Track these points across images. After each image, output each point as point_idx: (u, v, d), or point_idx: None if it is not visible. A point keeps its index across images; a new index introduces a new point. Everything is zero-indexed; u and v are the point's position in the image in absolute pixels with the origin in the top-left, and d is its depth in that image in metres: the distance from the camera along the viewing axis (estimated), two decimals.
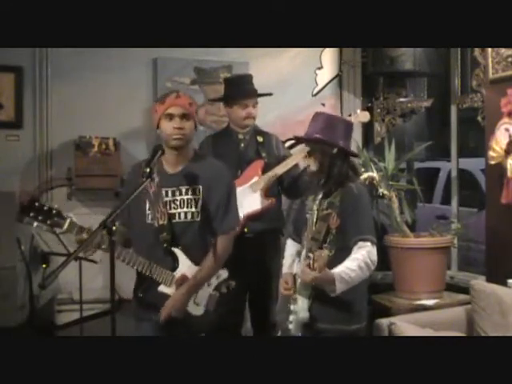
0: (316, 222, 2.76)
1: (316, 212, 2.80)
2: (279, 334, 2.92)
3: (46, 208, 2.55)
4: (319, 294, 2.70)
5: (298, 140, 2.99)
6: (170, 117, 2.63)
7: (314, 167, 2.79)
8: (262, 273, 3.59)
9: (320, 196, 2.82)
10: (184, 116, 2.64)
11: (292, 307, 2.84)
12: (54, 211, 2.56)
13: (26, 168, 4.11)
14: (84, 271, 3.54)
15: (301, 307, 2.77)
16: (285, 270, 2.98)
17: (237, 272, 2.83)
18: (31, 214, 2.55)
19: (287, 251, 3.05)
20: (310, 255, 2.51)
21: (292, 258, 2.99)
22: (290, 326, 2.83)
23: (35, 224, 2.58)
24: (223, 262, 2.75)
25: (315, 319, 2.74)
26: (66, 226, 2.56)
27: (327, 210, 2.74)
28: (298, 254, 2.96)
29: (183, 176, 2.70)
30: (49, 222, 2.56)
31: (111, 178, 3.97)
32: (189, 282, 2.66)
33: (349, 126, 2.87)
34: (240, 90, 3.64)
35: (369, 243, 2.67)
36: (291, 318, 2.84)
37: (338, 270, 2.58)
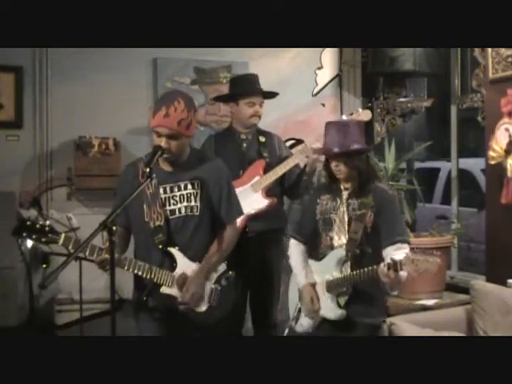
0: (349, 223, 2.74)
1: (346, 212, 2.76)
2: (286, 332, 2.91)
3: (38, 226, 2.53)
4: (355, 290, 2.70)
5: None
6: (158, 134, 2.59)
7: (346, 174, 2.76)
8: (264, 273, 3.59)
9: (345, 196, 2.79)
10: (171, 136, 2.56)
11: None
12: (47, 228, 2.54)
13: (25, 168, 4.11)
14: (84, 271, 3.54)
15: (329, 306, 2.74)
16: (302, 280, 2.85)
17: (238, 272, 2.82)
18: (24, 234, 2.54)
19: (296, 258, 2.93)
20: (395, 258, 2.44)
21: (305, 266, 2.89)
22: (299, 328, 2.84)
23: (30, 242, 2.57)
24: (229, 251, 2.75)
25: (352, 315, 2.72)
26: (61, 241, 2.55)
27: (360, 210, 2.73)
28: (305, 259, 2.92)
29: (181, 172, 2.69)
30: (43, 239, 2.55)
31: (111, 177, 3.95)
32: (200, 267, 2.65)
33: (361, 127, 2.92)
34: (248, 87, 3.66)
35: (406, 245, 2.68)
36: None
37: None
